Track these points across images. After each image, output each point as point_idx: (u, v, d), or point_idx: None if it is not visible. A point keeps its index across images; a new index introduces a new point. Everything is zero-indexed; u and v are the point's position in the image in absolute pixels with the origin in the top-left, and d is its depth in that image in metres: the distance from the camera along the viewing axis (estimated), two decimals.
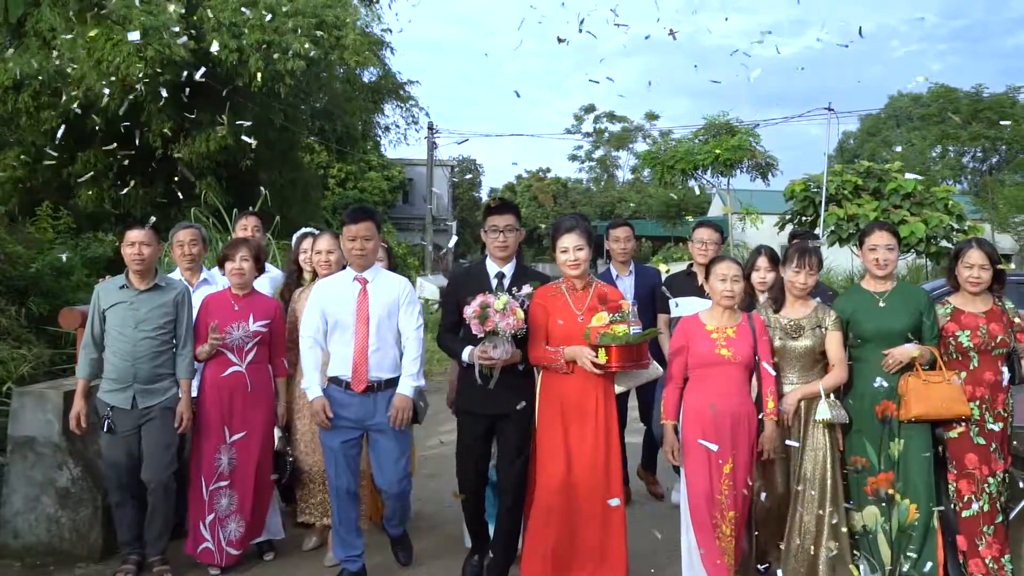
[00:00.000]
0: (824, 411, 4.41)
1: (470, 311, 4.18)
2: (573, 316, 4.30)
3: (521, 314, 4.19)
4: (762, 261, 5.17)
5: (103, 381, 4.68)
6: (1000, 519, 4.46)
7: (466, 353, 4.38)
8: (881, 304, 4.57)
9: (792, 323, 4.54)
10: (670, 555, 4.70)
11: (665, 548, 4.87)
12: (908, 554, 4.43)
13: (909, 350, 4.43)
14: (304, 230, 5.62)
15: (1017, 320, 4.61)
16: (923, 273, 20.46)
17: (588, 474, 4.26)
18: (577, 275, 4.36)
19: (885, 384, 4.48)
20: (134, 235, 4.68)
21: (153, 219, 4.95)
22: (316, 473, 5.02)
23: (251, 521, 4.90)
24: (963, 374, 4.53)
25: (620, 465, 4.51)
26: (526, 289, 4.36)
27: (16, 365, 6.22)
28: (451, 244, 28.53)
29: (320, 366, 4.53)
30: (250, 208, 9.11)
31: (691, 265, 6.01)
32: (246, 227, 5.85)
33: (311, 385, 4.47)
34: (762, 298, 5.14)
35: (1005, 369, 4.55)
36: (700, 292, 5.63)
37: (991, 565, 4.42)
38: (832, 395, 4.48)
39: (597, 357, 4.12)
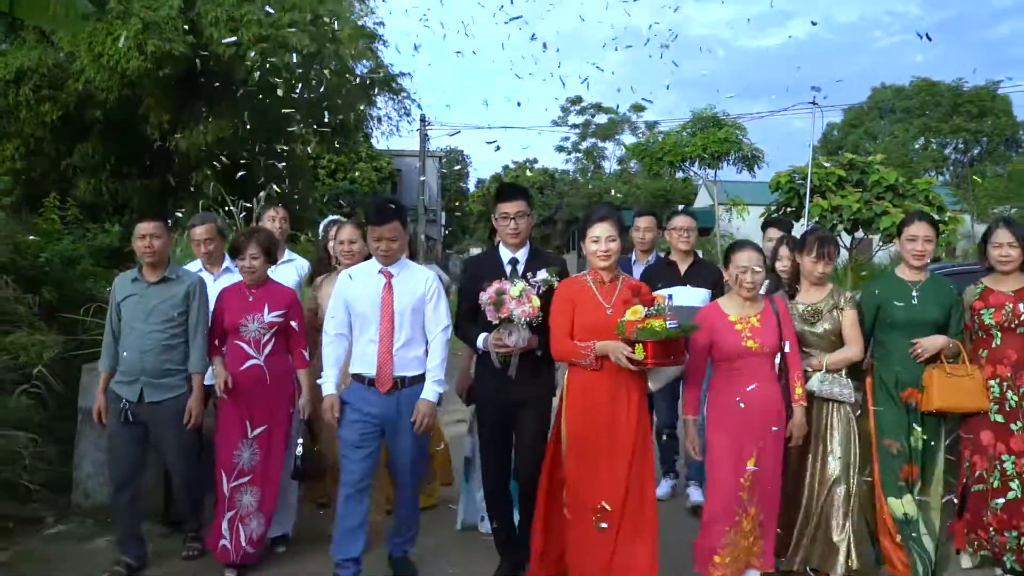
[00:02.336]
0: (814, 383, 4.41)
1: (485, 297, 4.15)
2: (601, 310, 4.07)
3: (537, 302, 4.12)
4: (784, 250, 5.24)
5: (117, 374, 4.65)
6: (1013, 495, 4.49)
7: (481, 340, 4.32)
8: (914, 294, 4.58)
9: (809, 308, 4.54)
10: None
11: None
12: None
13: (939, 341, 4.49)
14: (331, 218, 5.60)
15: None
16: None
17: (621, 475, 4.03)
18: (606, 267, 4.13)
19: (912, 372, 4.51)
20: (145, 227, 4.60)
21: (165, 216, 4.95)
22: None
23: (270, 521, 4.78)
24: (985, 352, 4.61)
25: (653, 465, 4.32)
26: (542, 275, 4.26)
27: (37, 351, 6.43)
28: (421, 236, 28.39)
29: (340, 362, 4.37)
30: (260, 196, 9.38)
31: (668, 254, 6.02)
32: (274, 218, 5.90)
33: (327, 381, 4.31)
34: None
35: None
36: (682, 281, 5.65)
37: (994, 537, 4.53)
38: (843, 372, 4.48)
39: (633, 353, 3.88)
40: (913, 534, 4.45)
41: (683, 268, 5.78)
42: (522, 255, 4.46)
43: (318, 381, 4.43)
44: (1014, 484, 4.49)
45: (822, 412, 4.51)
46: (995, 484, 4.52)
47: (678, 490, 6.16)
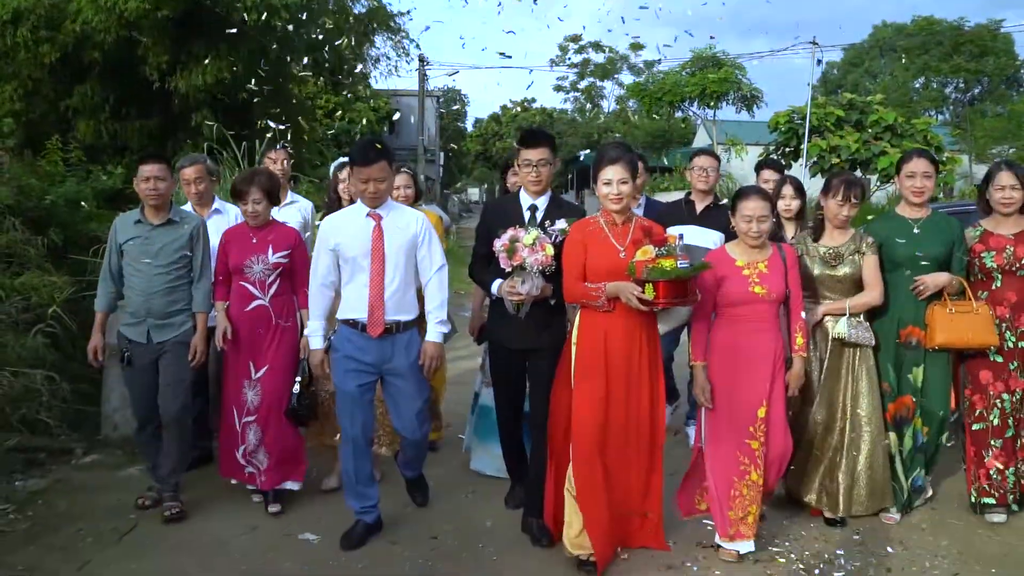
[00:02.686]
0: (842, 327, 4.41)
1: (499, 244, 4.13)
2: (614, 252, 4.02)
3: (551, 250, 4.08)
4: (787, 189, 5.24)
5: (122, 315, 4.72)
6: (1010, 433, 4.58)
7: (495, 286, 4.30)
8: (915, 231, 4.57)
9: (831, 251, 4.51)
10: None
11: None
12: (911, 472, 4.61)
13: (941, 278, 4.49)
14: (341, 160, 5.55)
15: None
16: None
17: (633, 415, 4.08)
18: (619, 209, 4.06)
19: (913, 310, 4.54)
20: (148, 169, 4.58)
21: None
22: None
23: (280, 458, 4.77)
24: (985, 294, 4.61)
25: (664, 407, 4.33)
26: (560, 224, 4.21)
27: (48, 292, 6.56)
28: (421, 177, 28.19)
29: (327, 311, 4.35)
30: (258, 143, 9.41)
31: (689, 193, 5.95)
32: (275, 160, 5.91)
33: (314, 333, 4.30)
34: (790, 228, 5.21)
35: None
36: (696, 221, 5.62)
37: (995, 476, 4.59)
38: (862, 316, 4.49)
39: (644, 293, 3.82)
40: (895, 467, 4.59)
41: (699, 208, 5.77)
42: (542, 202, 4.42)
43: (306, 333, 4.44)
44: (1011, 422, 4.58)
45: (853, 356, 4.52)
46: (995, 423, 4.60)
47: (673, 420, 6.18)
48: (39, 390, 5.45)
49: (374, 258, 4.17)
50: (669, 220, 5.42)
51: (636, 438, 4.12)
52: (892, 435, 4.56)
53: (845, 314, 4.43)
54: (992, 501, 4.62)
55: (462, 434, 5.86)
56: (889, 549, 4.35)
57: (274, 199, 4.87)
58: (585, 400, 4.02)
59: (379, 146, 4.20)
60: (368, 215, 4.23)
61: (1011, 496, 4.61)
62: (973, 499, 4.69)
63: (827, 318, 4.52)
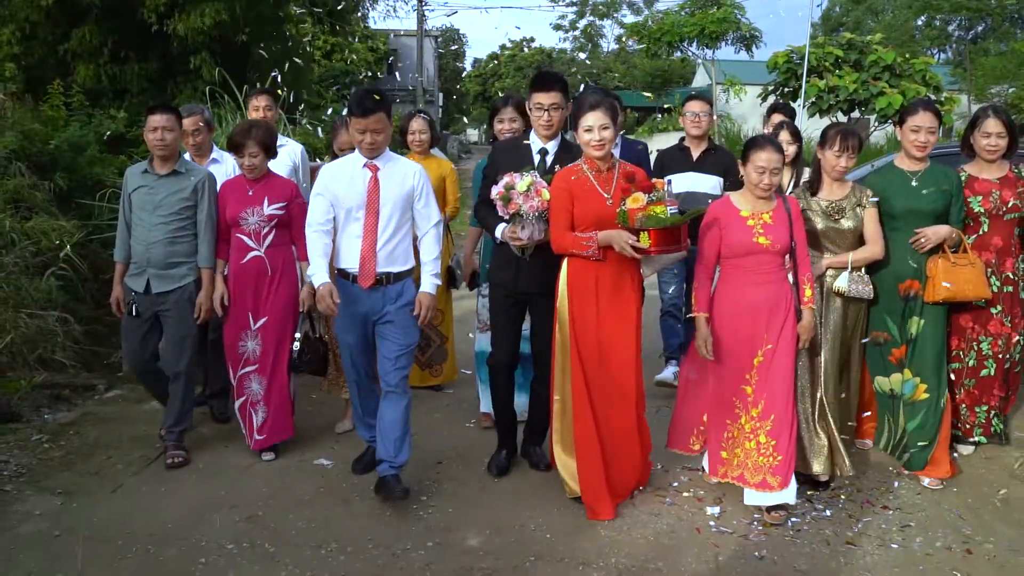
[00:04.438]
0: (842, 281, 4.37)
1: (495, 192, 4.12)
2: (601, 200, 4.01)
3: (547, 195, 4.05)
4: (784, 134, 5.22)
5: (130, 265, 4.78)
6: (986, 373, 4.68)
7: (499, 231, 4.29)
8: (914, 183, 4.52)
9: (832, 205, 4.42)
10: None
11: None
12: (911, 427, 4.58)
13: (942, 230, 4.46)
14: (345, 112, 5.71)
15: None
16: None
17: (625, 359, 4.14)
18: (601, 156, 4.03)
19: (912, 263, 4.50)
20: (157, 120, 4.59)
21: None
22: None
23: (275, 414, 4.84)
24: (972, 239, 4.61)
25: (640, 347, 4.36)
26: None
27: (57, 235, 6.71)
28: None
29: (328, 253, 4.28)
30: (258, 86, 9.43)
31: (683, 139, 5.92)
32: (258, 107, 5.74)
33: (317, 271, 4.20)
34: (785, 173, 5.13)
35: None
36: (694, 167, 5.64)
37: (964, 413, 4.75)
38: (863, 270, 4.44)
39: (638, 241, 3.83)
40: (892, 408, 4.63)
41: (696, 154, 5.75)
42: (552, 146, 4.38)
43: (308, 273, 4.39)
44: (988, 363, 4.68)
45: (857, 310, 4.54)
46: (971, 363, 4.70)
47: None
48: (54, 331, 5.65)
49: (368, 210, 4.17)
50: (668, 169, 5.50)
51: (628, 387, 4.18)
52: (898, 376, 4.59)
53: (847, 268, 4.40)
54: (958, 433, 4.80)
55: (467, 369, 6.15)
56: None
57: (271, 152, 4.82)
58: (583, 352, 4.08)
59: (377, 97, 4.16)
60: (365, 165, 4.22)
61: (978, 430, 4.77)
62: None
63: (828, 272, 4.47)
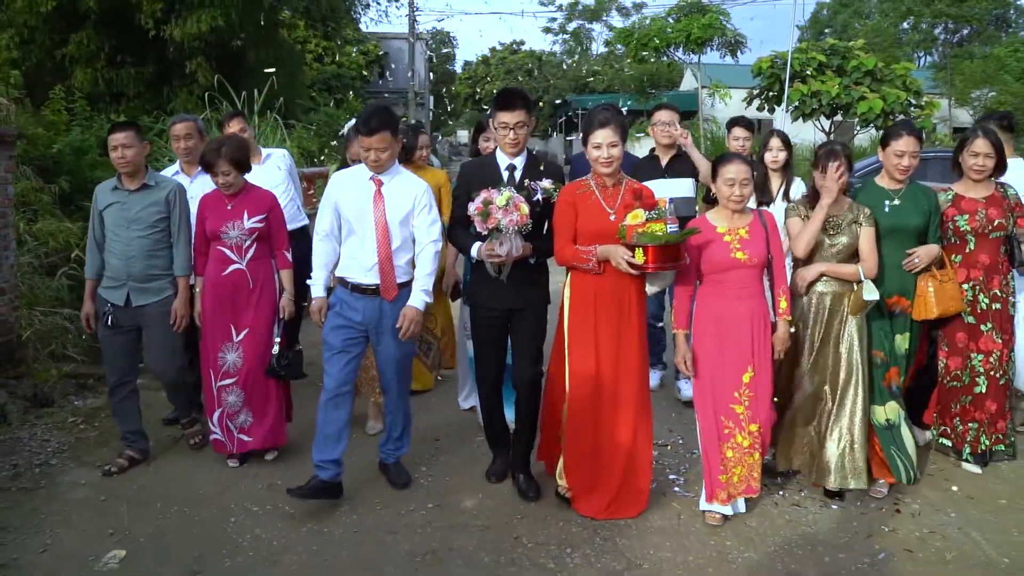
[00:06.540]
0: (872, 291, 4.29)
1: (472, 208, 4.11)
2: (604, 215, 4.08)
3: (526, 209, 4.05)
4: (775, 141, 5.30)
5: (103, 279, 4.79)
6: (979, 390, 4.73)
7: (474, 249, 4.27)
8: (896, 202, 4.58)
9: (829, 220, 4.40)
10: (687, 457, 5.06)
11: (685, 448, 5.22)
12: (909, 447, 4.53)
13: (934, 250, 4.53)
14: (354, 121, 5.33)
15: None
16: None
17: (623, 372, 4.15)
18: (609, 172, 4.09)
19: (897, 280, 4.55)
20: (116, 138, 4.63)
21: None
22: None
23: (264, 418, 4.86)
24: (958, 258, 4.69)
25: (648, 360, 4.37)
26: (545, 183, 4.23)
27: (64, 236, 6.99)
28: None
29: (330, 263, 4.40)
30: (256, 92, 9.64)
31: (653, 150, 5.91)
32: (232, 130, 5.62)
33: (316, 283, 4.34)
34: (776, 180, 5.29)
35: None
36: (664, 173, 5.64)
37: (958, 427, 4.81)
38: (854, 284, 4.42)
39: (633, 257, 3.88)
40: (895, 440, 4.51)
41: (664, 161, 5.78)
42: (520, 161, 4.38)
43: (307, 282, 4.44)
44: (980, 380, 4.74)
45: (841, 324, 4.47)
46: (966, 380, 4.77)
47: (665, 382, 6.36)
48: (65, 327, 5.95)
49: (370, 222, 4.25)
50: (641, 179, 5.43)
51: (625, 399, 4.18)
52: (893, 404, 4.53)
53: (862, 279, 4.34)
54: (948, 443, 4.90)
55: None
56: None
57: (245, 166, 4.78)
58: (578, 362, 4.16)
59: (385, 116, 4.22)
60: (371, 179, 4.30)
61: (967, 447, 4.82)
62: (933, 435, 4.99)
63: (834, 284, 4.42)
